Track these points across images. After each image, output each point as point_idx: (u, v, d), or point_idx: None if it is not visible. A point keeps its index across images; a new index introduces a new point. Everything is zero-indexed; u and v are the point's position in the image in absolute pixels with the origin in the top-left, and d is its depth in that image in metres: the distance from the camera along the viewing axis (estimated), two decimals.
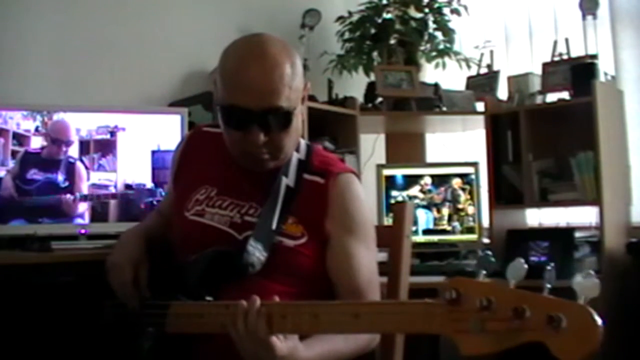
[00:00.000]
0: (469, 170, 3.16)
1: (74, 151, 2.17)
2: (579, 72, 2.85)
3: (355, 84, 3.38)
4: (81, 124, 2.19)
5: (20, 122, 2.12)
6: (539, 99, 3.04)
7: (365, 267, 1.35)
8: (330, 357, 1.21)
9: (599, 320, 0.75)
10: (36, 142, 2.13)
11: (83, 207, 2.17)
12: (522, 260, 0.85)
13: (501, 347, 0.80)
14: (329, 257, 1.35)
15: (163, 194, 2.19)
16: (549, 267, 0.83)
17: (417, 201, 3.13)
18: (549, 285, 0.81)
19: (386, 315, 0.97)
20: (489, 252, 0.93)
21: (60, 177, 2.15)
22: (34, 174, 2.12)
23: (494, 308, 0.81)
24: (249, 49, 1.31)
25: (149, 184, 2.25)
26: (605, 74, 2.93)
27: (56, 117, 2.16)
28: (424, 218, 3.14)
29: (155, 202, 2.22)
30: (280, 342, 1.07)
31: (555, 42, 3.11)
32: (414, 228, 3.03)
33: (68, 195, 2.15)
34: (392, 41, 3.35)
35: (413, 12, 3.43)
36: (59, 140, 2.15)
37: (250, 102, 1.26)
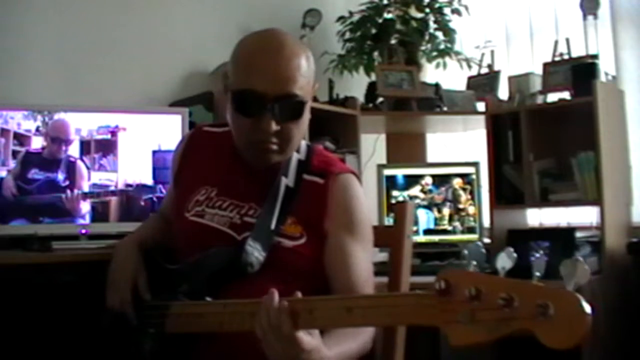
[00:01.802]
0: (470, 170, 3.16)
1: (74, 151, 2.18)
2: (579, 72, 2.85)
3: (356, 84, 3.38)
4: (82, 124, 2.20)
5: (21, 122, 2.12)
6: (539, 99, 3.04)
7: (362, 267, 1.34)
8: (345, 357, 1.20)
9: (587, 308, 0.74)
10: (37, 142, 2.14)
11: (86, 206, 2.17)
12: (512, 249, 0.85)
13: (490, 337, 0.79)
14: (326, 255, 1.35)
15: (163, 191, 2.19)
16: (537, 255, 0.83)
17: (417, 201, 3.13)
18: (538, 274, 0.81)
19: (378, 309, 0.97)
20: (479, 243, 0.94)
21: (60, 176, 2.15)
22: (35, 174, 2.12)
23: (483, 298, 0.80)
24: (266, 38, 1.32)
25: (150, 184, 2.25)
26: (606, 74, 2.92)
27: (57, 117, 2.16)
28: (425, 218, 3.14)
29: (155, 199, 2.22)
30: (307, 336, 1.04)
31: (556, 42, 3.10)
32: (414, 228, 3.03)
33: (70, 192, 2.15)
34: (393, 41, 3.35)
35: (414, 12, 3.43)
36: (58, 139, 2.15)
37: (265, 87, 1.26)
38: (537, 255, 0.85)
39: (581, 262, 0.78)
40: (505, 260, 0.84)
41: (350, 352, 1.21)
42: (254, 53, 1.29)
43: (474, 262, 0.87)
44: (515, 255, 0.83)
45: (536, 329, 0.75)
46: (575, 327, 0.73)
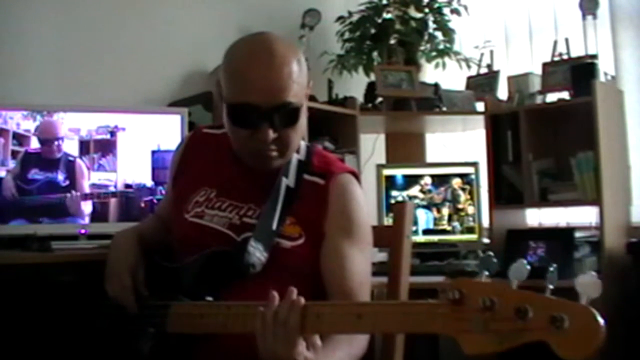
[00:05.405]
0: (469, 170, 3.16)
1: (73, 150, 2.17)
2: (579, 72, 2.85)
3: (355, 84, 3.38)
4: (81, 124, 2.19)
5: (20, 122, 2.12)
6: (539, 99, 3.04)
7: (357, 270, 1.33)
8: None
9: (602, 320, 0.76)
10: (36, 142, 2.13)
11: (87, 206, 2.17)
12: (525, 261, 0.86)
13: (503, 347, 0.81)
14: (322, 257, 1.34)
15: (163, 192, 2.19)
16: (551, 268, 0.84)
17: (417, 201, 3.13)
18: (551, 286, 0.82)
19: (389, 316, 0.97)
20: (491, 253, 0.93)
21: (60, 177, 2.14)
22: (35, 174, 2.12)
23: (497, 308, 0.82)
24: (255, 47, 1.31)
25: (149, 184, 2.25)
26: (605, 73, 2.93)
27: (56, 117, 2.16)
28: (424, 218, 3.14)
29: (155, 201, 2.22)
30: (306, 348, 1.03)
31: (555, 42, 3.11)
32: (414, 228, 3.03)
33: (72, 194, 2.15)
34: (392, 41, 3.36)
35: (413, 12, 3.43)
36: (48, 140, 2.14)
37: (259, 100, 1.26)
38: (551, 269, 0.85)
39: (594, 276, 0.80)
40: (517, 272, 0.85)
41: (348, 357, 1.21)
42: (245, 65, 1.28)
43: (486, 272, 0.88)
44: (528, 267, 0.85)
45: (550, 339, 0.77)
46: (591, 339, 0.76)
